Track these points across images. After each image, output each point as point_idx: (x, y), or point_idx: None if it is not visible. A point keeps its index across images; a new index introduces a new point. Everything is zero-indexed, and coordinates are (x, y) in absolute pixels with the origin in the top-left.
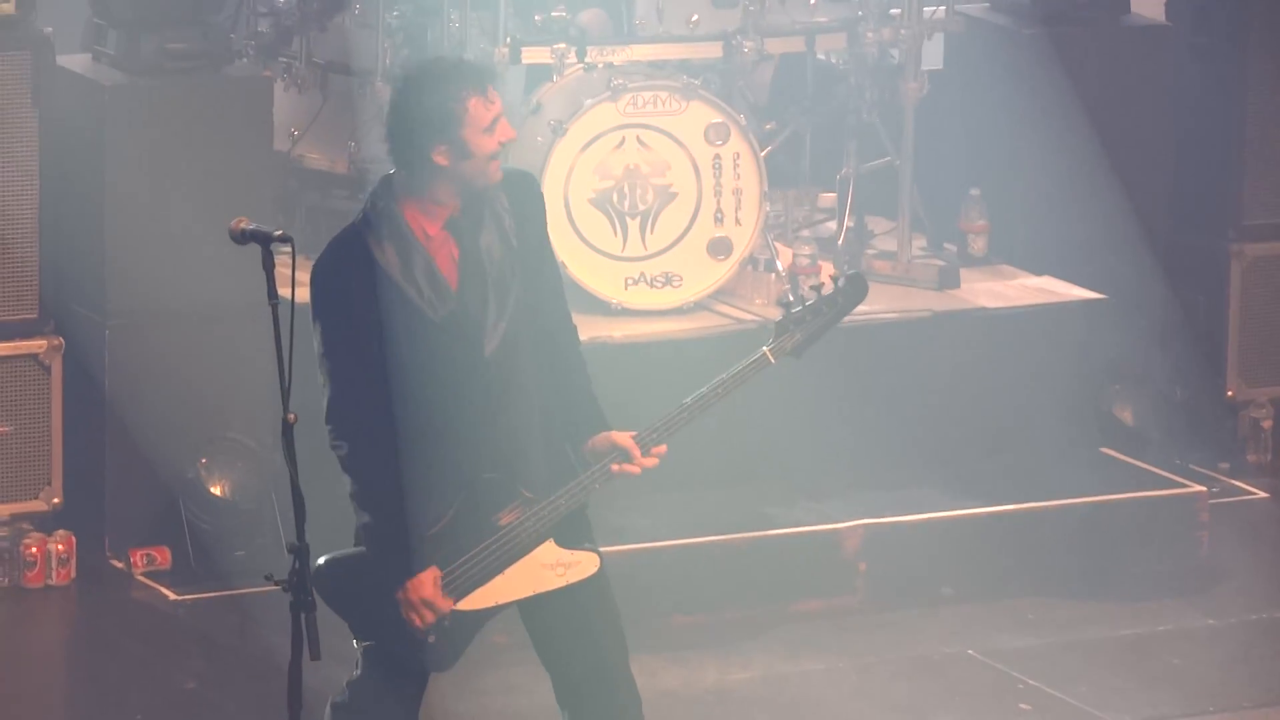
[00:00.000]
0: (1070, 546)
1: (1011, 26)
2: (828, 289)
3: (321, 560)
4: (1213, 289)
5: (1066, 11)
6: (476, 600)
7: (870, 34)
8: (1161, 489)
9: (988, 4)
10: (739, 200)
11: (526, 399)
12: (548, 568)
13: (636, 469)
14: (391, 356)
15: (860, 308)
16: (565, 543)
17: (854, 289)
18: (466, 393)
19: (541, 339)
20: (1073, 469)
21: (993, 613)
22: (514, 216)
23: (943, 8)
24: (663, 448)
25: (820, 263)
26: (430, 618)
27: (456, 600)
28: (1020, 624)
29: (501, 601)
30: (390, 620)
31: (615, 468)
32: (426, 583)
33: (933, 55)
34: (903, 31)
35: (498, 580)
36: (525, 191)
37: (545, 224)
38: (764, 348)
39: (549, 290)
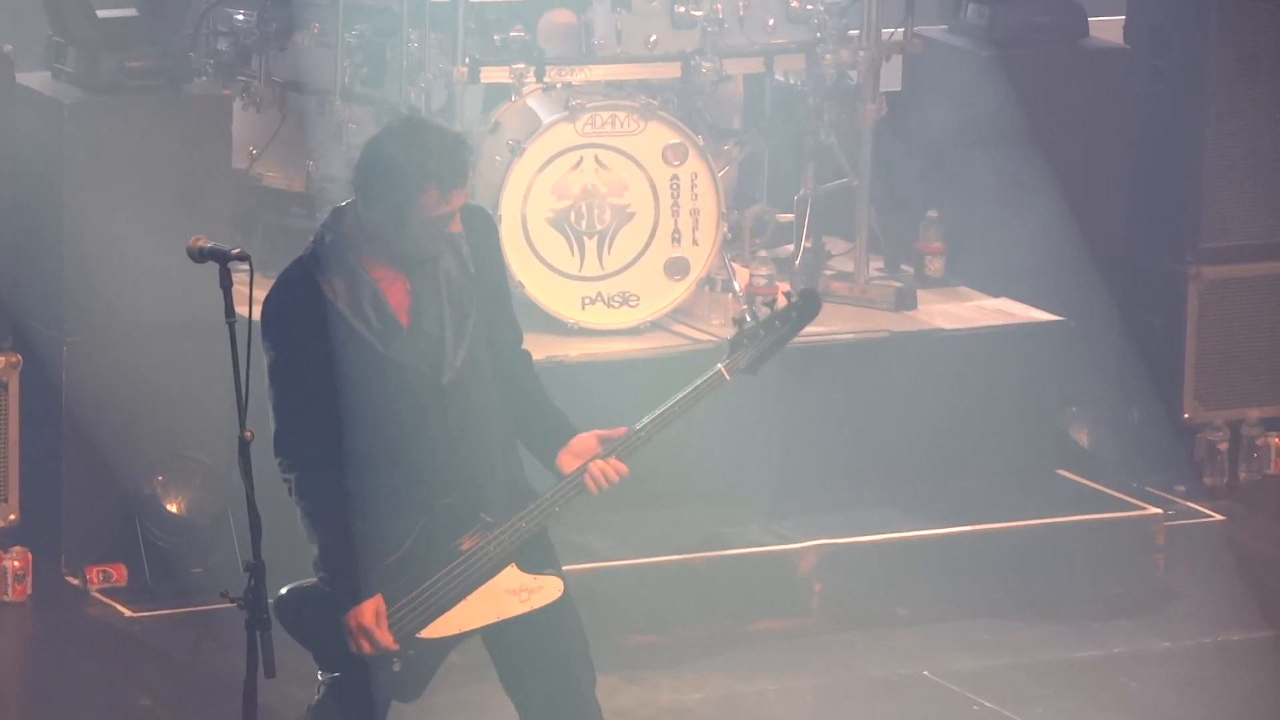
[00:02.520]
0: (1026, 568)
1: (970, 49)
2: (781, 304)
3: (283, 590)
4: (1170, 312)
5: (1024, 34)
6: (440, 628)
7: (828, 55)
8: (1117, 511)
9: (946, 26)
10: (696, 220)
11: (486, 424)
12: (511, 593)
13: (604, 481)
14: (342, 388)
15: (817, 328)
16: (528, 568)
17: (807, 305)
18: (423, 421)
19: (501, 362)
20: (1028, 491)
21: (948, 634)
22: (470, 245)
23: (901, 30)
24: (624, 468)
25: (777, 283)
26: (367, 647)
27: (420, 628)
28: (975, 645)
29: (466, 629)
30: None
31: (591, 487)
32: (366, 611)
33: (891, 77)
34: (861, 53)
35: (461, 607)
36: (480, 224)
37: (501, 255)
38: (719, 365)
39: (505, 313)
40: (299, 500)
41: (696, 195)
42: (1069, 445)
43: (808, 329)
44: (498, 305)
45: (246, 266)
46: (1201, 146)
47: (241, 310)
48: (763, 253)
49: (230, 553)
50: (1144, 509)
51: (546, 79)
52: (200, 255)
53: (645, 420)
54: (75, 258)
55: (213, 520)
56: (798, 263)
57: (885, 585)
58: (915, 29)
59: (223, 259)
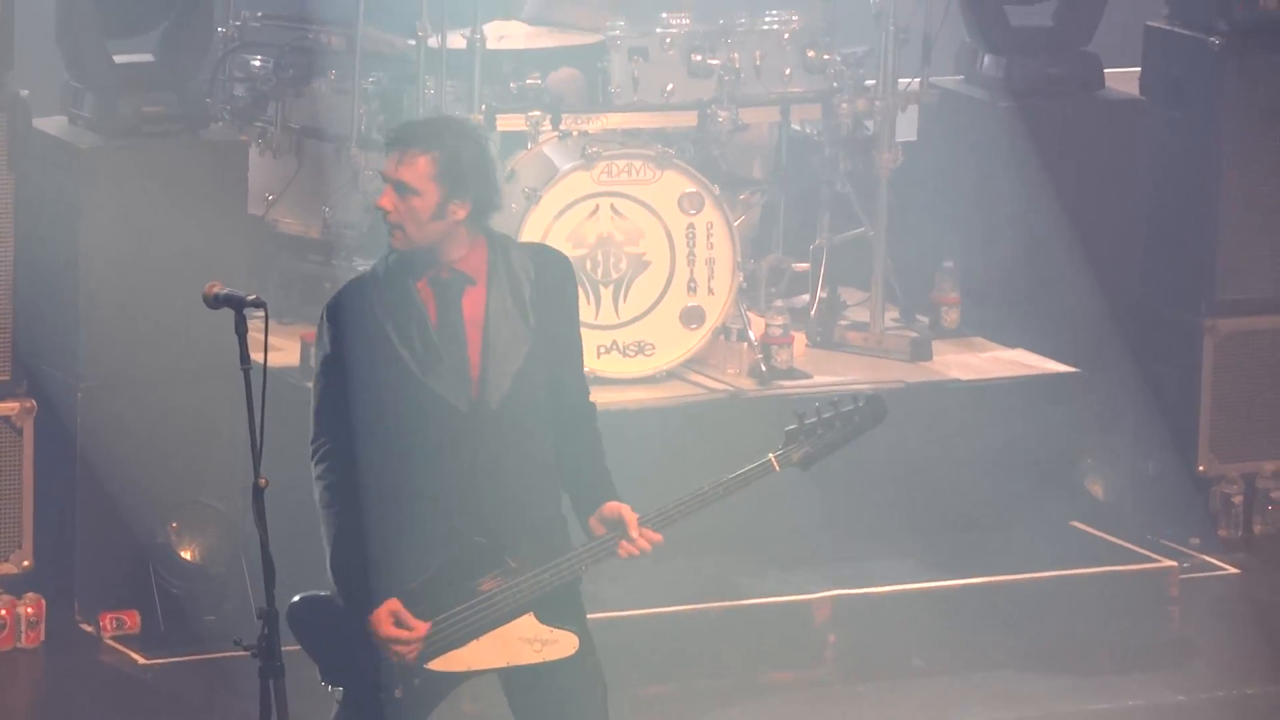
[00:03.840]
0: (1040, 620)
1: (986, 99)
2: (846, 407)
3: (297, 597)
4: (1185, 364)
5: (1041, 85)
6: (448, 663)
7: (845, 105)
8: (1132, 564)
9: (962, 77)
10: (712, 270)
11: (524, 469)
12: (524, 641)
13: (635, 549)
14: (376, 406)
15: (832, 378)
16: (547, 620)
17: (871, 411)
18: (451, 454)
19: (559, 414)
20: (1043, 542)
21: (963, 686)
22: (537, 290)
23: (917, 80)
24: (659, 537)
25: (793, 333)
26: (404, 650)
27: (426, 660)
28: (990, 697)
29: (474, 668)
30: (356, 669)
31: (622, 553)
32: (383, 618)
33: (907, 127)
34: (877, 103)
35: (472, 646)
36: (555, 269)
37: (575, 304)
38: (771, 455)
39: (568, 366)
40: (323, 508)
41: (712, 244)
42: (1084, 497)
43: (822, 378)
44: (560, 356)
45: (262, 313)
46: (1218, 198)
47: (256, 357)
48: (778, 302)
49: (244, 600)
50: (1159, 561)
51: (562, 126)
52: (215, 301)
53: (686, 496)
54: (90, 303)
55: (226, 567)
56: (813, 312)
57: (900, 637)
58: (931, 79)
59: (238, 305)
